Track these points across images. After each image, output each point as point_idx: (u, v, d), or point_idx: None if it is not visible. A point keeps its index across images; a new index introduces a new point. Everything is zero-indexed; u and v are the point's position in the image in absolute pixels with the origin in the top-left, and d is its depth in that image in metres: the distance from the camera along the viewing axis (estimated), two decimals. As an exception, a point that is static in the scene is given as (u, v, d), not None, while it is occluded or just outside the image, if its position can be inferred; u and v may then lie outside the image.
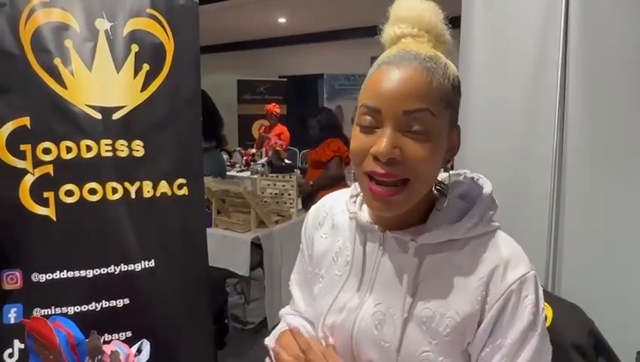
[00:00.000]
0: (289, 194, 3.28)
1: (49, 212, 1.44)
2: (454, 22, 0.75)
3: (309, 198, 3.56)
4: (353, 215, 0.70)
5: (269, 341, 0.82)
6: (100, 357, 0.99)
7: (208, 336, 1.68)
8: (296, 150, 6.22)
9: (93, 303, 1.47)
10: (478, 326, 0.61)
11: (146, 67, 1.58)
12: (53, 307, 1.43)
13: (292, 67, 6.78)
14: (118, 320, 1.49)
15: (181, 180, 1.64)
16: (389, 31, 0.65)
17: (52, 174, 1.44)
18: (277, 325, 0.88)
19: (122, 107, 1.53)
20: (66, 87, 1.46)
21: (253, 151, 5.55)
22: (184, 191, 1.64)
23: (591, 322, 1.38)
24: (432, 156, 0.58)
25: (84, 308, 1.46)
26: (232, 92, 6.52)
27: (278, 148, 5.07)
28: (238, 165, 5.28)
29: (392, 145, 0.56)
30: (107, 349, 0.97)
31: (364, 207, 0.71)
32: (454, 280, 0.61)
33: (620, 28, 1.39)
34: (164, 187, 1.60)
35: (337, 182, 3.78)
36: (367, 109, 0.60)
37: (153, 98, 1.59)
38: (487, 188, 0.67)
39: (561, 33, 1.48)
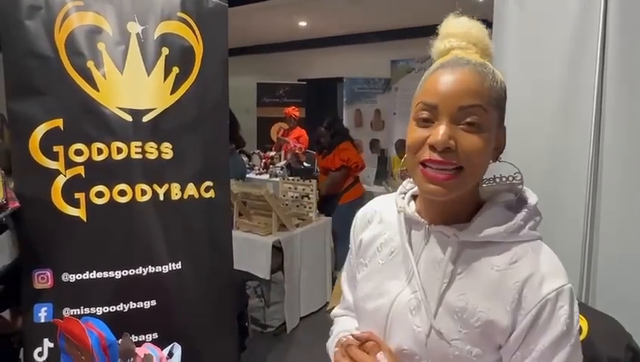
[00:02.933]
0: (309, 198, 3.28)
1: (80, 213, 1.46)
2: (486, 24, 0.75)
3: (324, 209, 3.55)
4: (402, 209, 0.74)
5: (330, 344, 0.87)
6: (132, 359, 0.99)
7: (232, 339, 1.67)
8: (314, 153, 6.23)
9: (121, 304, 1.48)
10: (511, 331, 0.63)
11: (175, 70, 1.59)
12: (82, 307, 1.45)
13: (311, 71, 6.79)
14: (144, 321, 1.49)
15: (208, 183, 1.64)
16: (438, 45, 0.70)
17: (83, 175, 1.46)
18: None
19: (152, 110, 1.54)
20: (98, 90, 1.47)
21: (272, 154, 5.56)
22: (211, 194, 1.65)
23: (629, 336, 1.33)
24: (483, 147, 0.63)
25: (112, 308, 1.47)
26: (252, 95, 6.55)
27: (297, 151, 5.08)
28: (257, 168, 5.29)
29: (448, 136, 0.62)
30: (139, 352, 0.97)
31: (412, 203, 0.76)
32: (490, 279, 0.64)
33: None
34: (191, 189, 1.60)
35: (351, 186, 3.76)
36: (425, 105, 0.65)
37: (182, 101, 1.60)
38: (533, 199, 0.70)
39: (599, 34, 1.43)
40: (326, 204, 3.63)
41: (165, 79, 1.57)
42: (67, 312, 1.43)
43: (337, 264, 3.59)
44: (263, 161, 5.53)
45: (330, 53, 6.58)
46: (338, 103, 6.29)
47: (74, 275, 1.45)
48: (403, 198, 0.78)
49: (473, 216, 0.68)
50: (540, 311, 0.61)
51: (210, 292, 1.61)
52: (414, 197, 0.77)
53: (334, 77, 6.36)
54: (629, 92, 1.41)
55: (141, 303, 1.50)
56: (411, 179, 0.77)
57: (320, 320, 3.19)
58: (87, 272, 1.46)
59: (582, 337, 1.38)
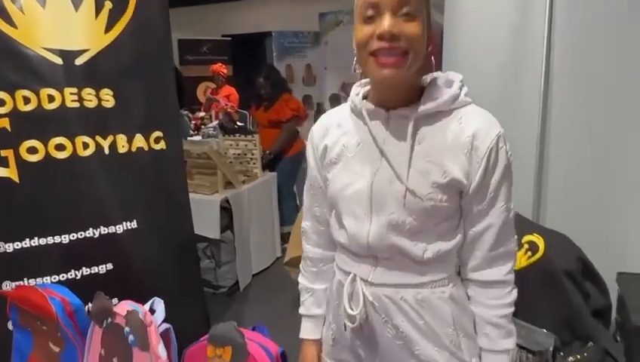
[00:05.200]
0: (252, 154, 3.17)
1: (9, 172, 1.27)
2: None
3: (268, 165, 3.46)
4: (362, 104, 0.83)
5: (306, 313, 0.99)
6: (110, 319, 0.89)
7: (199, 296, 1.60)
8: (246, 113, 6.02)
9: (73, 271, 1.33)
10: (472, 176, 0.78)
11: (108, 5, 1.39)
12: (26, 279, 1.27)
13: (236, 25, 6.41)
14: (102, 287, 1.34)
15: (158, 133, 1.50)
16: None
17: (9, 129, 1.25)
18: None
19: (85, 50, 1.35)
20: (15, 27, 1.25)
21: (202, 114, 5.28)
22: (162, 145, 1.51)
23: (578, 249, 1.46)
24: (420, 32, 0.74)
25: (63, 276, 1.31)
26: (174, 53, 6.08)
27: (229, 110, 4.86)
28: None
29: (392, 25, 0.72)
30: (119, 310, 0.87)
31: (365, 101, 0.85)
32: (446, 139, 0.78)
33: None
34: (140, 141, 1.45)
35: (293, 141, 3.71)
36: (368, 4, 0.74)
37: (119, 41, 1.41)
38: (458, 76, 0.83)
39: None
40: (272, 161, 3.54)
41: (97, 16, 1.37)
42: (8, 286, 1.25)
43: (283, 220, 3.56)
44: (193, 122, 5.23)
45: (254, 5, 6.25)
46: (268, 59, 6.05)
47: (11, 244, 1.27)
48: (357, 95, 0.87)
49: (418, 96, 0.81)
50: (490, 153, 0.77)
51: (171, 249, 1.51)
52: (364, 98, 0.87)
53: (262, 31, 6.08)
54: (577, 38, 1.51)
55: (96, 268, 1.36)
56: (359, 83, 0.89)
57: (272, 276, 3.17)
58: (28, 240, 1.28)
59: (540, 254, 1.50)
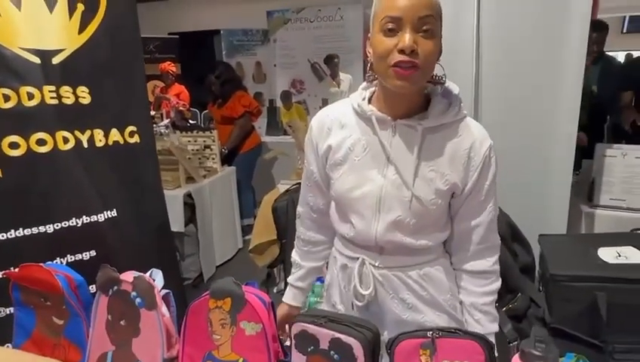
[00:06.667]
0: (211, 149, 3.26)
1: (-8, 167, 1.32)
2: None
3: (224, 160, 3.56)
4: (371, 111, 0.89)
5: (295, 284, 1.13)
6: (116, 287, 1.00)
7: (177, 281, 1.71)
8: (197, 110, 6.01)
9: (58, 259, 1.41)
10: (465, 182, 0.88)
11: (80, 7, 1.47)
12: (12, 268, 1.34)
13: (182, 23, 6.37)
14: (85, 272, 1.44)
15: (132, 127, 1.59)
16: None
17: (-9, 125, 1.31)
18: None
19: (61, 50, 1.42)
20: (-7, 28, 1.31)
21: (152, 113, 5.23)
22: (135, 138, 1.61)
23: (507, 216, 1.73)
24: (436, 50, 0.82)
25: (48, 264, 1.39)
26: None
27: (181, 108, 4.87)
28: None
29: (413, 41, 0.78)
30: (126, 278, 0.99)
31: (370, 107, 0.91)
32: (448, 150, 0.87)
33: None
34: (115, 135, 1.54)
35: (248, 135, 3.84)
36: (390, 18, 0.79)
37: (93, 40, 1.49)
38: (456, 88, 0.92)
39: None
40: (228, 156, 3.64)
41: (71, 17, 1.45)
42: (-6, 276, 1.32)
43: (242, 213, 3.67)
44: (143, 121, 5.17)
45: (201, 4, 6.25)
46: (217, 57, 6.07)
47: (-3, 235, 1.33)
48: (364, 99, 0.92)
49: (422, 106, 0.89)
50: (483, 163, 0.88)
51: (150, 235, 1.62)
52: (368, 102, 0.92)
53: (209, 29, 6.09)
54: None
55: (80, 255, 1.45)
56: (364, 86, 0.95)
57: (235, 267, 3.29)
58: (13, 231, 1.35)
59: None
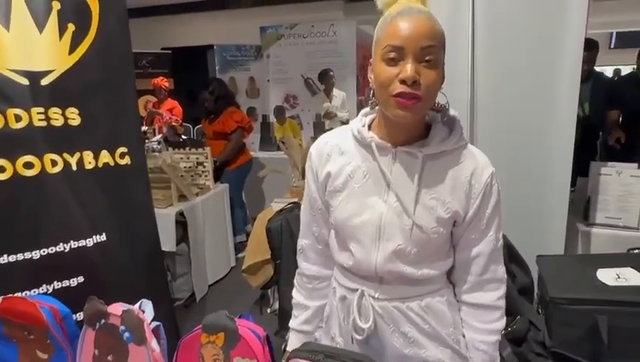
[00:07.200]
0: (204, 166, 3.22)
1: (-24, 192, 1.28)
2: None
3: (214, 176, 3.52)
4: (371, 138, 0.88)
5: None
6: (103, 320, 0.96)
7: (168, 302, 1.66)
8: (190, 126, 5.98)
9: (44, 285, 1.36)
10: (467, 210, 0.86)
11: (71, 27, 1.44)
12: (-4, 296, 1.29)
13: (176, 38, 6.37)
14: (73, 300, 1.39)
15: (122, 149, 1.56)
16: None
17: (-24, 149, 1.27)
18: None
19: (51, 71, 1.39)
20: (-20, 49, 1.28)
21: (145, 128, 5.19)
22: (126, 160, 1.57)
23: (504, 236, 1.70)
24: (438, 80, 0.80)
25: (34, 291, 1.34)
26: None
27: (174, 123, 4.83)
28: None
29: (415, 71, 0.76)
30: (114, 311, 0.95)
31: (370, 133, 0.90)
32: (448, 177, 0.85)
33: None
34: (105, 157, 1.51)
35: (240, 152, 3.82)
36: (392, 47, 0.77)
37: (83, 61, 1.47)
38: (457, 115, 0.91)
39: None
40: (216, 171, 3.60)
41: (61, 37, 1.42)
42: (-23, 305, 1.26)
43: (234, 230, 3.63)
44: (135, 136, 5.13)
45: (195, 19, 6.26)
46: (210, 72, 6.06)
47: (-20, 263, 1.28)
48: (364, 126, 0.91)
49: (423, 134, 0.88)
50: (484, 191, 0.86)
51: (140, 259, 1.57)
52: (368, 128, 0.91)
53: (203, 45, 6.09)
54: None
55: (67, 281, 1.40)
56: (364, 112, 0.94)
57: (228, 286, 3.23)
58: (-3, 257, 1.30)
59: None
